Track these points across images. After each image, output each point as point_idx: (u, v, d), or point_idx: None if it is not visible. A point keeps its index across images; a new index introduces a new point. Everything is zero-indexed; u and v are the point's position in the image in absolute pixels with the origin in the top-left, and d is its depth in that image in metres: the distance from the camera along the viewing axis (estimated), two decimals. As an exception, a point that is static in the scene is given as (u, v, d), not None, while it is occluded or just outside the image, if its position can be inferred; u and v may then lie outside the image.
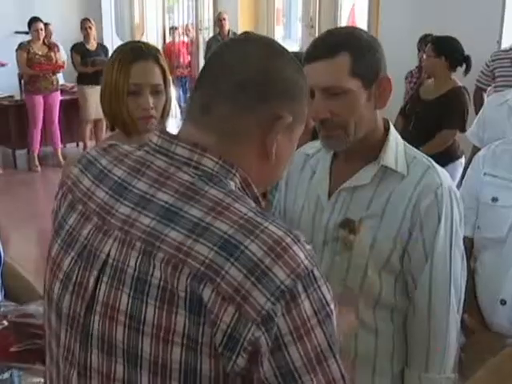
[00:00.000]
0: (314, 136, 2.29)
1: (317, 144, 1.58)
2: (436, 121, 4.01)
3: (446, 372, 1.50)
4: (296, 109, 1.01)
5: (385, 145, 1.48)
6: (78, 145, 8.34)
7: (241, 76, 0.96)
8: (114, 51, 1.85)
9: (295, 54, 2.43)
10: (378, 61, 1.44)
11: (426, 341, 1.48)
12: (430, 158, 1.51)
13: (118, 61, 1.77)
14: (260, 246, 0.85)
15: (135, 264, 0.90)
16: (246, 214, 0.88)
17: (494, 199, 1.86)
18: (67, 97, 7.80)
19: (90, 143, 7.87)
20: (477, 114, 4.43)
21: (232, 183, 0.95)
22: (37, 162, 7.39)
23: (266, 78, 0.97)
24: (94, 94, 7.44)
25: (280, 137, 0.99)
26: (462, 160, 4.18)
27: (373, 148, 1.49)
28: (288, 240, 0.87)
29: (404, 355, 1.53)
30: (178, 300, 0.86)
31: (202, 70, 1.02)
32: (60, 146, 7.63)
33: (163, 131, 0.99)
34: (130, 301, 0.90)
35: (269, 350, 0.85)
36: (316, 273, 0.88)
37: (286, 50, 1.03)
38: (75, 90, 7.92)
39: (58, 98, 7.45)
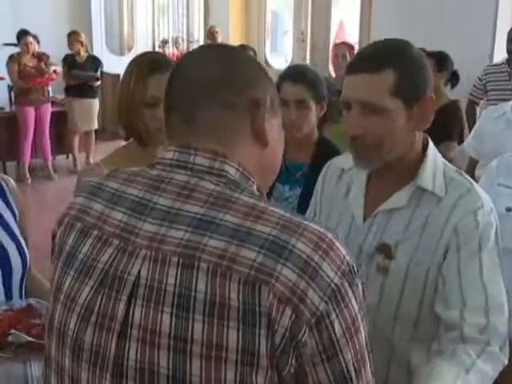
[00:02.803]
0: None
1: (351, 157, 1.48)
2: (436, 134, 4.05)
3: None
4: (268, 88, 1.01)
5: (422, 165, 1.42)
6: (67, 157, 8.29)
7: (207, 80, 0.96)
8: (131, 61, 1.85)
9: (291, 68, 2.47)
10: (423, 80, 1.37)
11: None
12: (471, 180, 1.45)
13: (136, 72, 1.77)
14: (307, 244, 0.84)
15: (175, 280, 0.85)
16: (283, 215, 0.88)
17: (509, 209, 1.88)
18: (57, 109, 7.76)
19: (79, 155, 7.85)
20: (470, 126, 4.51)
21: (254, 190, 0.96)
22: (27, 174, 7.32)
23: (231, 72, 0.98)
24: (80, 106, 7.48)
25: (267, 120, 0.99)
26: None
27: (410, 168, 1.43)
28: (330, 236, 0.87)
29: None
30: (229, 311, 0.82)
31: (166, 97, 1.01)
32: (50, 157, 7.59)
33: (178, 145, 0.96)
34: (173, 320, 0.84)
35: (323, 355, 0.84)
36: (355, 268, 0.88)
37: (229, 45, 1.07)
38: (65, 101, 7.91)
39: (49, 109, 7.41)
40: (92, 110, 7.60)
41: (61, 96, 7.97)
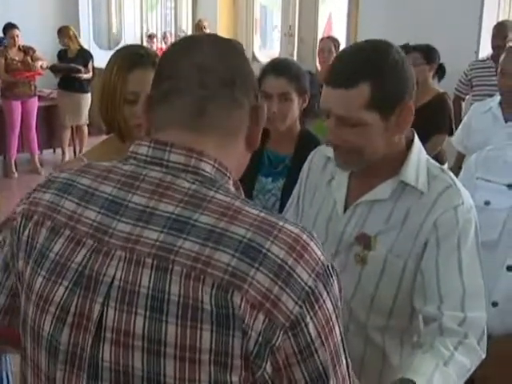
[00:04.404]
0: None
1: None
2: (425, 127, 4.08)
3: None
4: (259, 96, 1.03)
5: (406, 160, 1.43)
6: (54, 151, 8.26)
7: (226, 74, 0.95)
8: (113, 55, 1.83)
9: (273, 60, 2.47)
10: (401, 88, 1.35)
11: None
12: (453, 177, 1.45)
13: (116, 67, 1.75)
14: (281, 247, 0.84)
15: (148, 282, 0.84)
16: (258, 215, 0.87)
17: (487, 203, 1.90)
18: (44, 103, 7.73)
19: (68, 149, 7.83)
20: (455, 121, 4.54)
21: (230, 187, 0.94)
22: (13, 168, 7.30)
23: (246, 74, 0.98)
24: (69, 100, 7.44)
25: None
26: (445, 166, 4.25)
27: (394, 162, 1.43)
28: (304, 237, 0.87)
29: None
30: (203, 314, 0.82)
31: (168, 76, 0.97)
32: (37, 152, 7.56)
33: (153, 140, 0.94)
34: (147, 323, 0.83)
35: (299, 356, 0.84)
36: (330, 267, 0.88)
37: (231, 40, 1.05)
38: (52, 96, 7.88)
39: (35, 103, 7.37)
40: (80, 105, 7.51)
41: (48, 90, 7.94)
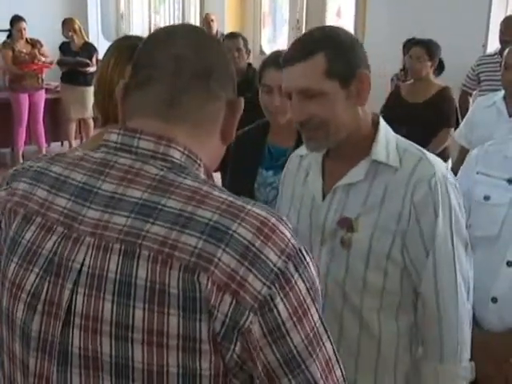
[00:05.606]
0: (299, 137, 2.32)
1: None
2: (433, 122, 4.07)
3: (462, 362, 1.48)
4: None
5: (375, 140, 1.47)
6: (62, 144, 8.28)
7: (201, 65, 0.96)
8: (110, 47, 1.82)
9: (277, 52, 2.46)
10: (356, 58, 1.43)
11: (439, 335, 1.46)
12: (423, 149, 1.50)
13: (115, 59, 1.74)
14: (248, 229, 0.84)
15: (116, 267, 0.85)
16: (226, 199, 0.87)
17: (486, 197, 1.89)
18: (51, 96, 7.74)
19: (75, 142, 7.84)
20: (463, 116, 4.52)
21: (200, 174, 0.95)
22: (21, 161, 7.28)
23: (224, 67, 1.00)
24: (72, 93, 7.41)
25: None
26: (449, 162, 4.23)
27: (363, 144, 1.47)
28: (273, 220, 0.86)
29: (408, 361, 1.53)
30: (170, 298, 0.82)
31: (145, 65, 0.97)
32: (45, 144, 7.58)
33: (122, 128, 0.95)
34: (115, 308, 0.84)
35: (269, 337, 0.84)
36: (303, 250, 0.88)
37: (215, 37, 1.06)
38: (59, 89, 7.89)
39: (43, 96, 7.39)
40: (84, 98, 7.47)
41: (55, 83, 7.95)
